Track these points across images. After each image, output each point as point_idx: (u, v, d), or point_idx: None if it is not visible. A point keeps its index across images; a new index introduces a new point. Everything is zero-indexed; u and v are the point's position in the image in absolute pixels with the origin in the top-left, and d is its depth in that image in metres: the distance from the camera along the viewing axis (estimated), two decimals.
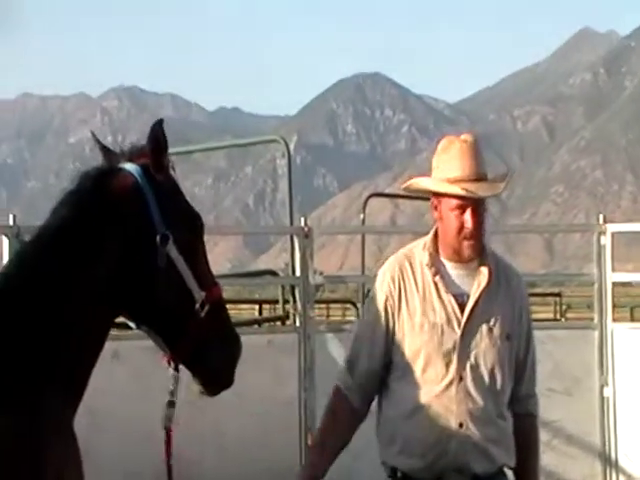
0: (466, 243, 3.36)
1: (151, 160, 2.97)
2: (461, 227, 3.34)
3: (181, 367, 3.05)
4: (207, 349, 2.99)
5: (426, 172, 3.61)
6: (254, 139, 13.13)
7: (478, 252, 3.38)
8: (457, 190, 3.30)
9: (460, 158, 3.35)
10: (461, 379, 3.32)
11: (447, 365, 3.32)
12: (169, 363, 3.03)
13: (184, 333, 2.94)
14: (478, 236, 3.36)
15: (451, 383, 3.32)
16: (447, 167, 3.36)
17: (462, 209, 3.33)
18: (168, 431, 3.08)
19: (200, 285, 2.96)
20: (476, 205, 3.35)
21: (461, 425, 3.31)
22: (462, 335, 3.34)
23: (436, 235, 3.47)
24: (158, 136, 2.96)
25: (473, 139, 3.41)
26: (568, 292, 26.63)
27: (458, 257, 3.40)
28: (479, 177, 3.35)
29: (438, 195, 3.40)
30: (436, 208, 3.42)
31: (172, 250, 2.91)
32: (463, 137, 3.43)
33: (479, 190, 3.33)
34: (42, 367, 2.75)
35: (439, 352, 3.33)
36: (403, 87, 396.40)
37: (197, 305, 2.94)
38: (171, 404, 3.07)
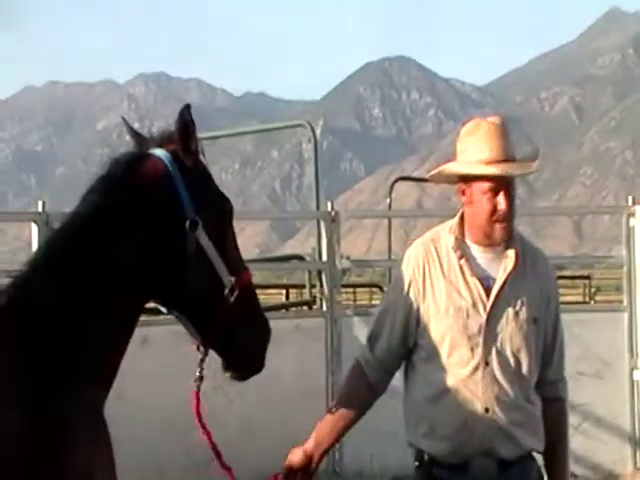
0: (498, 226, 3.33)
1: (180, 145, 2.96)
2: (493, 210, 3.31)
3: (210, 352, 3.06)
4: (237, 334, 2.99)
5: (452, 156, 3.58)
6: (280, 124, 13.16)
7: (509, 234, 3.37)
8: (493, 170, 3.28)
9: (489, 140, 3.32)
10: (487, 363, 3.30)
11: (472, 349, 3.30)
12: (198, 348, 3.04)
13: (214, 318, 2.95)
14: (510, 218, 3.34)
15: (477, 367, 3.30)
16: (476, 149, 3.32)
17: (494, 191, 3.30)
18: (196, 394, 3.10)
19: (230, 270, 2.96)
20: (508, 187, 3.32)
21: (487, 410, 3.29)
22: (488, 319, 3.31)
23: (462, 219, 3.44)
24: (186, 121, 2.95)
25: (501, 120, 3.38)
26: (597, 275, 26.47)
27: (488, 240, 3.37)
28: (509, 158, 3.32)
29: (468, 179, 3.36)
30: (464, 192, 3.38)
31: (201, 236, 2.91)
32: (490, 119, 3.40)
33: (512, 170, 3.31)
34: (73, 353, 2.76)
35: (464, 336, 3.31)
36: (430, 70, 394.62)
37: (226, 290, 2.94)
38: (200, 379, 3.09)
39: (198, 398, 3.11)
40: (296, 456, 3.40)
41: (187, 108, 2.98)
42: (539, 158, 3.47)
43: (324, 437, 3.43)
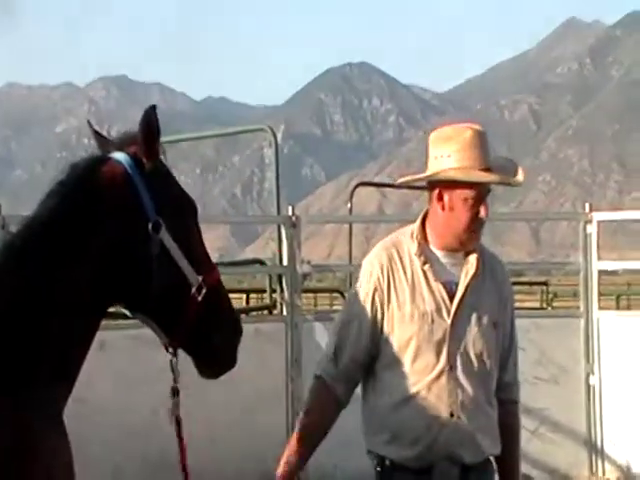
0: (474, 235, 3.35)
1: (143, 146, 2.94)
2: (473, 218, 3.31)
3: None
4: (206, 333, 2.97)
5: (413, 162, 3.58)
6: (241, 128, 13.11)
7: (478, 242, 3.39)
8: (494, 179, 3.30)
9: (476, 147, 3.30)
10: (452, 368, 3.30)
11: (438, 354, 3.30)
12: (167, 349, 3.02)
13: (182, 318, 2.93)
14: (482, 228, 3.38)
15: (442, 372, 3.30)
16: (463, 156, 3.29)
17: (476, 200, 3.30)
18: (178, 420, 3.05)
19: (197, 270, 2.94)
20: (486, 196, 3.34)
21: (452, 414, 3.30)
22: (452, 324, 3.32)
23: (423, 223, 3.43)
24: (151, 122, 2.93)
25: (478, 128, 3.36)
26: (554, 281, 26.70)
27: (460, 247, 3.37)
28: (490, 167, 3.32)
29: (448, 185, 3.30)
30: (441, 198, 3.33)
31: (165, 237, 2.90)
32: (470, 126, 3.36)
33: (507, 180, 3.34)
34: (32, 359, 2.74)
35: (430, 341, 3.31)
36: (391, 77, 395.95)
37: (194, 289, 2.92)
38: (175, 391, 3.05)
39: (180, 426, 3.05)
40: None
41: (152, 109, 2.95)
42: (515, 167, 3.42)
43: (296, 459, 3.41)
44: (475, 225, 3.34)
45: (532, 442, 7.36)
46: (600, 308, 8.28)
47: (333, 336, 3.48)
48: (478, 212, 3.32)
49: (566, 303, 20.39)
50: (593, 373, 8.03)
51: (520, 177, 3.40)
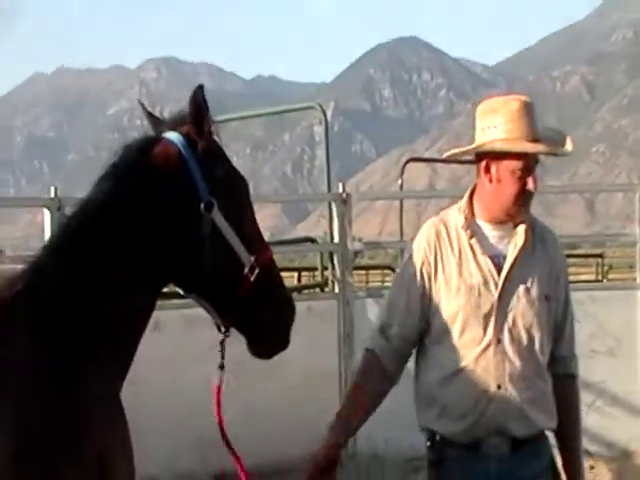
0: (522, 207, 3.32)
1: (192, 126, 2.94)
2: (521, 190, 3.28)
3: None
4: (259, 312, 2.98)
5: (464, 136, 3.54)
6: (291, 106, 13.07)
7: (525, 215, 3.35)
8: (541, 149, 3.25)
9: (525, 117, 3.27)
10: (499, 341, 3.28)
11: (485, 327, 3.28)
12: (219, 328, 3.03)
13: (234, 298, 2.94)
14: (527, 202, 3.33)
15: (489, 345, 3.28)
16: (513, 127, 3.26)
17: (524, 171, 3.26)
18: (218, 390, 3.09)
19: (249, 249, 2.94)
20: (534, 167, 3.30)
21: (499, 387, 3.28)
22: (499, 297, 3.30)
23: (471, 197, 3.41)
24: (199, 101, 2.93)
25: (524, 99, 3.32)
26: (610, 253, 26.38)
27: (508, 219, 3.34)
28: (541, 138, 3.28)
29: (495, 156, 3.29)
30: (488, 170, 3.31)
31: (217, 216, 2.90)
32: (517, 97, 3.32)
33: (555, 149, 3.29)
34: (90, 338, 2.76)
35: (477, 314, 3.29)
36: (440, 50, 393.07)
37: (246, 269, 2.93)
38: (221, 367, 3.08)
39: (219, 392, 3.09)
40: (320, 457, 3.33)
41: (200, 89, 2.95)
42: (564, 136, 3.38)
43: (342, 430, 3.39)
44: (523, 197, 3.30)
45: (589, 416, 7.28)
46: None
47: (383, 311, 3.49)
48: (526, 184, 3.28)
49: (622, 275, 20.16)
50: None
51: (569, 147, 3.34)
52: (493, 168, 3.31)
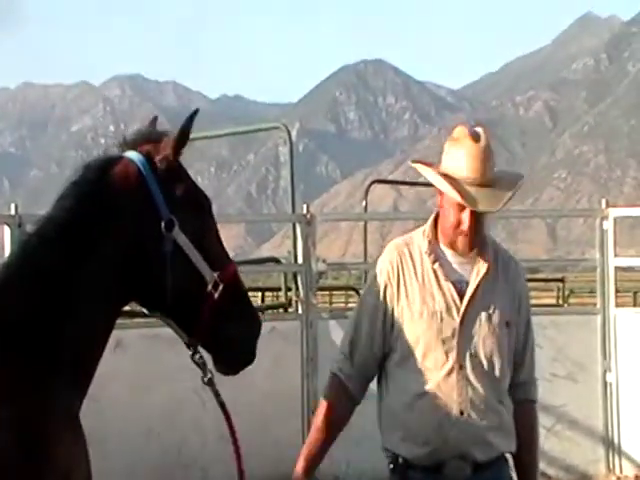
0: (461, 239, 3.35)
1: (172, 149, 2.95)
2: (458, 223, 3.32)
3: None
4: (225, 328, 2.98)
5: (428, 159, 3.56)
6: (256, 126, 13.10)
7: (471, 247, 3.36)
8: (456, 197, 3.26)
9: (469, 159, 3.28)
10: (461, 367, 3.31)
11: (447, 353, 3.31)
12: (188, 347, 3.02)
13: (199, 316, 2.93)
14: (473, 234, 3.34)
15: (451, 371, 3.31)
16: (454, 164, 3.30)
17: (461, 206, 3.30)
18: (223, 406, 3.09)
19: (212, 266, 2.94)
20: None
21: (462, 413, 3.30)
22: (461, 323, 3.32)
23: (436, 221, 3.44)
24: (188, 129, 2.96)
25: (486, 142, 3.31)
26: (571, 278, 26.60)
27: (454, 246, 3.39)
28: (484, 183, 3.28)
29: None
30: (440, 193, 3.37)
31: (179, 235, 2.90)
32: (477, 133, 3.32)
33: (478, 201, 3.26)
34: (48, 359, 2.75)
35: (438, 340, 3.31)
36: (405, 74, 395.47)
37: (210, 286, 2.93)
38: (210, 381, 3.07)
39: (227, 412, 3.10)
40: None
41: (194, 114, 2.99)
42: (516, 189, 3.35)
43: (314, 454, 3.44)
44: (459, 230, 3.33)
45: (549, 439, 7.34)
46: (617, 305, 8.25)
47: (347, 334, 3.50)
48: (461, 220, 3.31)
49: (583, 300, 20.32)
50: (610, 370, 8.00)
51: (493, 205, 3.28)
52: (440, 196, 3.38)
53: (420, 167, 3.42)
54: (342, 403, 3.43)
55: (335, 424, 3.43)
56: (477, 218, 3.31)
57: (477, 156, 3.29)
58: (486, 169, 3.29)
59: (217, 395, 3.09)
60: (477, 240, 3.36)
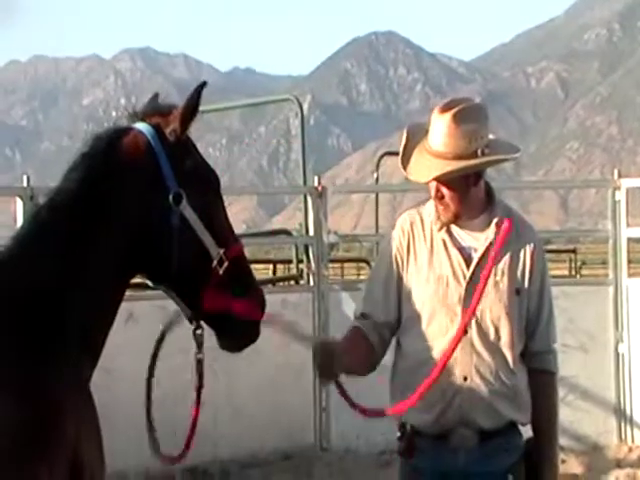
0: (440, 208, 3.35)
1: (179, 121, 2.93)
2: (435, 193, 3.34)
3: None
4: (229, 305, 2.97)
5: None
6: (267, 98, 13.09)
7: (456, 216, 3.33)
8: (405, 173, 3.34)
9: (432, 130, 3.29)
10: (465, 333, 3.29)
11: (452, 318, 3.31)
12: (190, 321, 3.03)
13: (203, 291, 2.93)
14: (453, 204, 3.32)
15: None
16: (440, 142, 3.27)
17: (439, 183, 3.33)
18: (199, 389, 3.09)
19: (218, 242, 2.94)
20: (448, 180, 3.28)
21: (465, 379, 3.30)
22: (466, 289, 3.31)
23: None
24: (195, 101, 2.93)
25: (452, 115, 3.24)
26: (583, 249, 26.54)
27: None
28: (442, 154, 3.25)
29: None
30: None
31: (186, 209, 2.89)
32: (448, 106, 3.27)
33: (411, 171, 3.31)
34: (59, 329, 2.76)
35: (443, 305, 3.32)
36: (417, 45, 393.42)
37: (215, 262, 2.92)
38: (199, 362, 3.08)
39: (200, 395, 3.09)
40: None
41: (202, 87, 2.96)
42: (475, 161, 3.27)
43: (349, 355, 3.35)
44: (437, 198, 3.33)
45: (561, 410, 7.31)
46: (629, 275, 8.24)
47: (362, 300, 3.51)
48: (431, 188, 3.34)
49: (595, 271, 20.30)
50: (622, 341, 8.00)
51: (436, 171, 3.27)
52: None
53: (402, 145, 3.40)
54: (364, 344, 3.39)
55: (358, 355, 3.37)
56: (455, 188, 3.29)
57: (439, 129, 3.28)
58: (448, 141, 3.25)
59: (200, 377, 3.08)
60: (461, 210, 3.33)
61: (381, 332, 3.43)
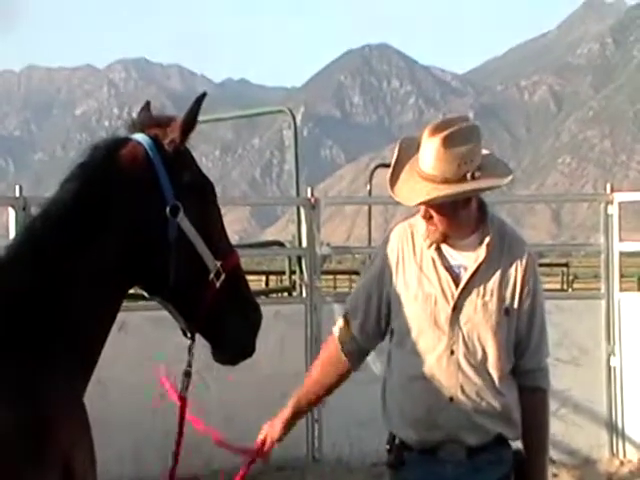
0: (430, 227, 3.32)
1: (179, 132, 2.92)
2: (424, 214, 3.31)
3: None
4: (225, 318, 2.96)
5: None
6: (261, 109, 13.10)
7: (444, 237, 3.30)
8: (393, 194, 3.29)
9: (421, 152, 3.25)
10: (452, 352, 3.27)
11: (439, 337, 3.29)
12: (184, 333, 3.01)
13: (199, 303, 2.92)
14: (437, 225, 3.28)
15: (442, 356, 3.28)
16: (431, 165, 3.22)
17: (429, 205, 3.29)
18: (183, 401, 3.08)
19: (215, 254, 2.93)
20: (441, 204, 3.24)
21: (452, 399, 3.28)
22: (454, 309, 3.28)
23: None
24: (196, 112, 2.93)
25: (442, 139, 3.19)
26: (575, 262, 26.60)
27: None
28: (430, 177, 3.21)
29: None
30: None
31: (183, 221, 2.88)
32: (438, 128, 3.23)
33: (398, 193, 3.26)
34: (54, 340, 2.74)
35: (431, 324, 3.29)
36: (410, 58, 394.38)
37: (212, 275, 2.91)
38: (187, 374, 3.06)
39: (184, 407, 3.07)
40: (276, 428, 3.47)
41: (202, 98, 2.96)
42: (463, 189, 3.21)
43: (302, 406, 3.49)
44: (425, 218, 3.30)
45: (553, 424, 7.28)
46: (621, 289, 8.24)
47: (347, 303, 3.54)
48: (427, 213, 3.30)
49: (587, 285, 20.31)
50: (614, 354, 8.00)
51: (423, 196, 3.21)
52: None
53: (398, 148, 3.38)
54: (335, 358, 3.46)
55: (327, 376, 3.46)
56: (443, 212, 3.25)
57: (429, 152, 3.23)
58: (436, 164, 3.21)
59: (185, 388, 3.07)
60: (450, 231, 3.30)
61: (358, 343, 3.46)
